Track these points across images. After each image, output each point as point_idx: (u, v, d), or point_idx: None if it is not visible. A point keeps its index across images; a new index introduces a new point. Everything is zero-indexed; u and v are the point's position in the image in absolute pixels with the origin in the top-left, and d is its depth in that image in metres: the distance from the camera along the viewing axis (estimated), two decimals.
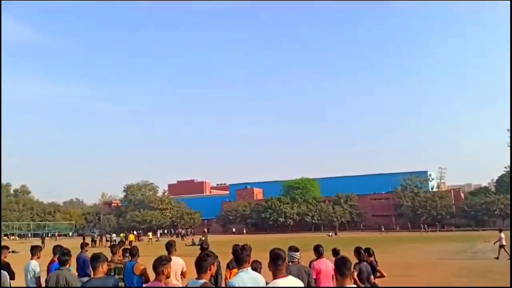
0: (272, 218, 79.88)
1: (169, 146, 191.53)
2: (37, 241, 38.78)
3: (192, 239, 45.35)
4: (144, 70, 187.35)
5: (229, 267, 6.94)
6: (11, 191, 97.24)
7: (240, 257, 4.49)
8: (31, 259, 7.58)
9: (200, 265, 3.97)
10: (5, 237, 70.30)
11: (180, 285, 6.85)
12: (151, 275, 5.66)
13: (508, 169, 72.42)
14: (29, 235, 79.10)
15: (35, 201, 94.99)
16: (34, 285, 7.32)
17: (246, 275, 4.22)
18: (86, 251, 9.41)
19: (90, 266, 5.03)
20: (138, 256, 7.23)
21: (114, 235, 49.75)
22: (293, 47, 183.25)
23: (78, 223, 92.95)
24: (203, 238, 33.84)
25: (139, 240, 54.21)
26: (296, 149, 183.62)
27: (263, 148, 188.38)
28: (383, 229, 67.52)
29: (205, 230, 67.80)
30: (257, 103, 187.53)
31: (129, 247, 8.08)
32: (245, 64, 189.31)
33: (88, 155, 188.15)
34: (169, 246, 7.20)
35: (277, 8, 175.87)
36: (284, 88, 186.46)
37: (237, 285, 4.03)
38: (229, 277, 6.62)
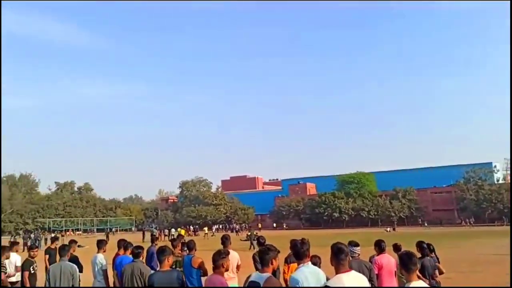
0: (326, 213, 78.87)
1: (220, 144, 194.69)
2: (101, 236, 41.00)
3: (247, 234, 45.97)
4: (199, 70, 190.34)
5: (287, 261, 6.92)
6: (75, 189, 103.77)
7: (300, 252, 4.44)
8: (98, 252, 8.00)
9: (262, 259, 3.97)
10: (71, 232, 74.95)
11: (236, 278, 6.99)
12: (208, 268, 5.77)
13: None
14: (94, 230, 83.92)
15: (98, 198, 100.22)
16: (102, 277, 7.75)
17: (308, 270, 4.19)
18: (156, 244, 9.74)
19: (156, 259, 5.24)
20: (196, 250, 7.39)
21: (173, 230, 51.44)
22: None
23: (138, 218, 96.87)
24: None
25: (195, 235, 55.85)
26: (349, 142, 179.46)
27: (315, 142, 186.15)
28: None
29: (259, 225, 69.31)
30: (308, 95, 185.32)
31: (186, 241, 8.32)
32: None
33: (145, 153, 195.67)
34: (225, 240, 7.33)
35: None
36: (336, 75, 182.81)
37: (300, 280, 3.99)
38: (288, 272, 6.60)
